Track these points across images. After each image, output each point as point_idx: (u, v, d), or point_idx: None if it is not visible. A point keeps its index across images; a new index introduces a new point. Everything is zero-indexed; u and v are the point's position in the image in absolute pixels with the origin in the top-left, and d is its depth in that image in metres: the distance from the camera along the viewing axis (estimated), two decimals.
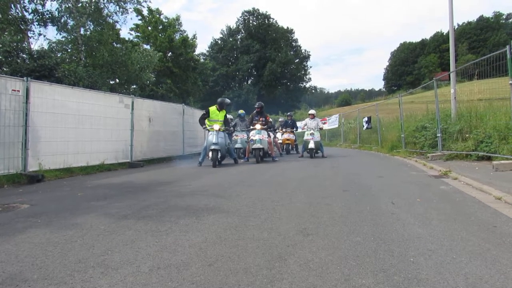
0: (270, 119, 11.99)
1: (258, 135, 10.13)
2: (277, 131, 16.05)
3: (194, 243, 2.53)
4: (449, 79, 9.86)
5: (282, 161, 10.31)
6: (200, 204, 3.95)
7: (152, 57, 17.93)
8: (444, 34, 72.57)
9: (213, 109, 9.45)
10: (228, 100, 10.05)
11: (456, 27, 72.71)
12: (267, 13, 62.16)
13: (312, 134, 11.34)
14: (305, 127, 11.71)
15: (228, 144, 9.64)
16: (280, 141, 14.37)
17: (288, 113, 16.55)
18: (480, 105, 8.52)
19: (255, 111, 11.07)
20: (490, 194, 4.08)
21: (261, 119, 10.76)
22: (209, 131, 9.31)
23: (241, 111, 12.61)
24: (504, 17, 74.89)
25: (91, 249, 2.42)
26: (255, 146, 9.98)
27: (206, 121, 9.41)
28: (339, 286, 1.77)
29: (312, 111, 12.53)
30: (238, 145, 11.66)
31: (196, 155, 14.56)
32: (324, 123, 21.95)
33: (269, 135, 10.65)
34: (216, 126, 9.10)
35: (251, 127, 10.60)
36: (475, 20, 77.72)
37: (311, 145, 11.20)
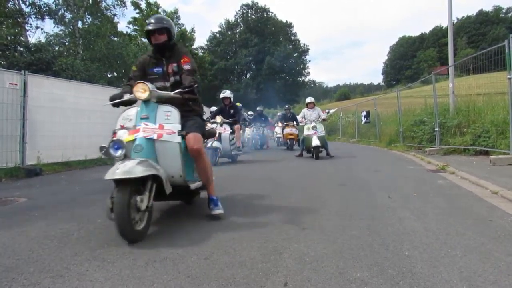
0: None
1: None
2: (275, 125, 15.93)
3: (191, 236, 2.54)
4: (448, 74, 9.84)
5: (280, 152, 10.30)
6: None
7: (148, 49, 17.87)
8: (443, 28, 72.03)
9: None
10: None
11: (455, 21, 72.34)
12: (266, 7, 61.75)
13: (314, 127, 8.56)
14: (303, 119, 9.28)
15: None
16: (279, 136, 14.24)
17: (286, 106, 15.01)
18: (478, 100, 8.51)
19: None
20: (487, 188, 4.09)
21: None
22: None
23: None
24: (503, 11, 74.65)
25: (87, 243, 2.43)
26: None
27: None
28: (333, 280, 1.78)
29: (310, 99, 9.72)
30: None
31: None
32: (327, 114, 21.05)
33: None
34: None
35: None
36: (474, 14, 77.51)
37: (315, 141, 8.34)
